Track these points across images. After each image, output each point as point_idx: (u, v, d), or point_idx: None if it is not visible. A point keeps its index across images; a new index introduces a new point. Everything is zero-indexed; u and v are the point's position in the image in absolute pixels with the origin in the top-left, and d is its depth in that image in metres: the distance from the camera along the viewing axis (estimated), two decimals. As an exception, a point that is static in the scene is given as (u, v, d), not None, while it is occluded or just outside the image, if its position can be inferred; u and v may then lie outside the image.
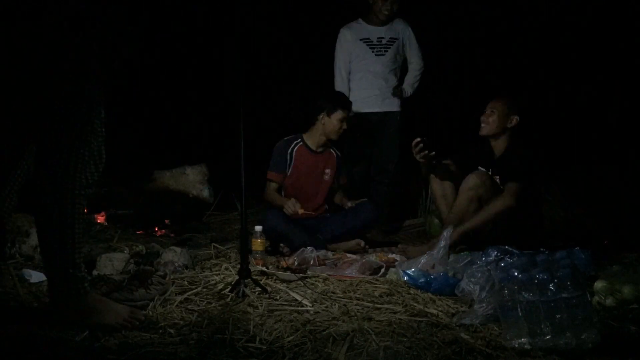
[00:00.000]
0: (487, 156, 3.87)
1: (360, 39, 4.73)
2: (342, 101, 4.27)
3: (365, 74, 4.73)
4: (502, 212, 3.61)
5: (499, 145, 3.84)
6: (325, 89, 4.62)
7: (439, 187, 3.96)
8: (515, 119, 3.78)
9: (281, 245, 4.01)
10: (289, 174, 4.25)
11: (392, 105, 4.78)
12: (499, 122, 3.78)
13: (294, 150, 4.27)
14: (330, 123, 4.21)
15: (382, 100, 4.75)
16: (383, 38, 4.74)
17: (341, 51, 4.74)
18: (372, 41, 4.73)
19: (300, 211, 4.05)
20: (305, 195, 4.25)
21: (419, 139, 3.82)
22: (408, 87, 4.80)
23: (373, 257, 3.64)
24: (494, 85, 5.44)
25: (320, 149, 4.32)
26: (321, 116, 4.22)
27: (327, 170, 4.33)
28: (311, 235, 4.02)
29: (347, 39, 4.74)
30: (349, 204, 4.24)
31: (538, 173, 3.84)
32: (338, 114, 4.18)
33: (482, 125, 3.81)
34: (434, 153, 3.82)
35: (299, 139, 4.31)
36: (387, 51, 4.73)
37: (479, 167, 3.87)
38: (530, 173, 3.73)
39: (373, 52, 4.72)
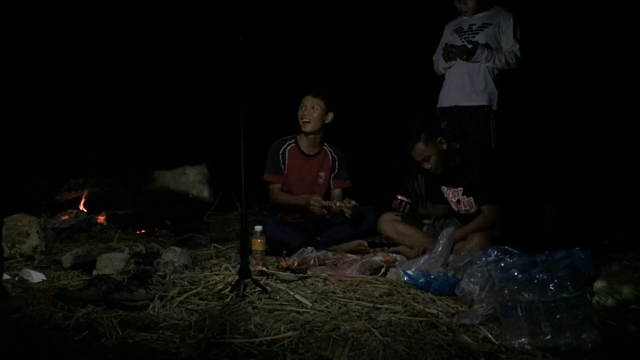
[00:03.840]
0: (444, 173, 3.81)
1: (454, 30, 4.51)
2: (307, 87, 4.12)
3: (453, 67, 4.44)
4: (488, 223, 3.64)
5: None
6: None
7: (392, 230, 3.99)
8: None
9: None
10: (285, 174, 4.13)
11: (473, 100, 4.37)
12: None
13: (286, 150, 4.14)
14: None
15: (463, 96, 4.38)
16: (474, 24, 4.43)
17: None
18: (463, 29, 4.47)
19: (326, 203, 3.95)
20: (299, 198, 4.13)
21: (404, 201, 3.84)
22: (487, 51, 4.32)
23: (373, 257, 3.64)
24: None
25: (313, 152, 4.17)
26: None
27: (322, 174, 4.19)
28: (311, 239, 3.92)
29: (445, 34, 4.57)
30: (337, 204, 3.95)
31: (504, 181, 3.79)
32: (303, 100, 4.09)
33: None
34: (411, 211, 3.87)
35: (293, 140, 4.18)
36: (474, 37, 4.40)
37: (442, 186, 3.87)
38: (496, 188, 3.69)
39: (461, 39, 4.44)
